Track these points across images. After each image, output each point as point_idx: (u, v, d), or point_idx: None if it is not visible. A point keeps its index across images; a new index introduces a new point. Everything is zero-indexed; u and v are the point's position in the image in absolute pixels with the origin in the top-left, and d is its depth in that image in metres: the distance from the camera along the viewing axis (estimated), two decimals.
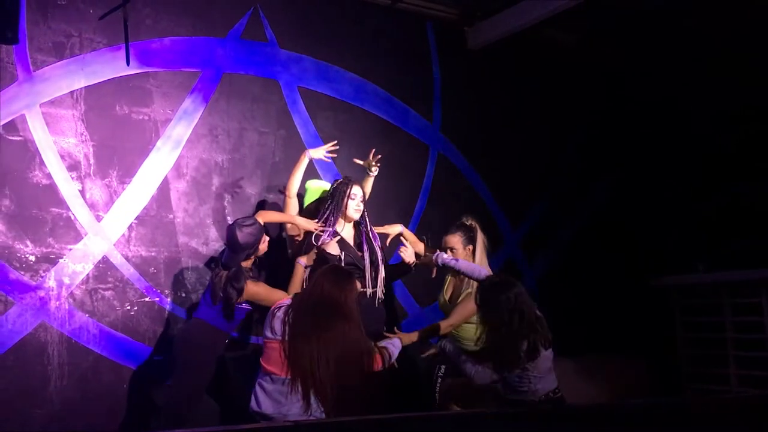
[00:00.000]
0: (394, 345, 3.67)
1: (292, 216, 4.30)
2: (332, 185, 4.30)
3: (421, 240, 5.01)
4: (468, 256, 4.23)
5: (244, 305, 3.92)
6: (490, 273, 3.88)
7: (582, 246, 6.21)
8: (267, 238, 4.03)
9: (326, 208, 4.19)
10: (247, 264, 3.93)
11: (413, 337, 4.05)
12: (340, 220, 4.18)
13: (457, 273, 4.07)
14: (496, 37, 5.76)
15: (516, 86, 6.07)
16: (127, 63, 3.72)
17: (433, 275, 4.21)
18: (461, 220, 4.34)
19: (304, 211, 4.44)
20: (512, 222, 5.95)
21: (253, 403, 3.37)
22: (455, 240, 4.25)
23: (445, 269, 4.13)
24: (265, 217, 4.12)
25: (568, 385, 4.80)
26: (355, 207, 4.17)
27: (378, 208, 4.79)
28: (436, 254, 4.04)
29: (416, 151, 5.56)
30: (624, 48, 6.03)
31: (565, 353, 4.99)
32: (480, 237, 4.32)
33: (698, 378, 5.91)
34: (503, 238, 5.85)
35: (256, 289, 3.88)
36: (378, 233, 4.32)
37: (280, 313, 3.41)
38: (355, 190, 4.19)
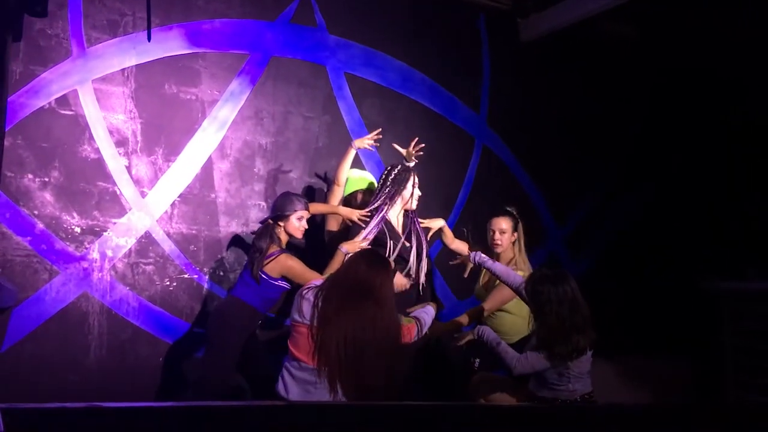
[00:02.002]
0: (427, 313, 3.53)
1: (335, 206, 4.31)
2: (387, 172, 4.13)
3: (461, 232, 4.99)
4: (511, 242, 4.21)
5: (280, 282, 3.88)
6: (524, 277, 3.80)
7: (629, 245, 6.07)
8: (305, 224, 4.00)
9: (381, 193, 4.06)
10: (281, 234, 3.94)
11: (464, 320, 4.03)
12: (394, 208, 4.08)
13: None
14: (550, 30, 5.64)
15: (568, 80, 5.94)
16: (149, 39, 3.78)
17: (466, 274, 4.18)
18: (506, 207, 4.30)
19: (343, 201, 4.44)
20: (557, 218, 5.84)
21: (280, 387, 3.28)
22: (506, 222, 4.23)
23: (481, 268, 4.11)
24: (312, 208, 4.15)
25: (608, 386, 4.72)
26: (418, 195, 4.10)
27: (420, 198, 4.75)
28: (473, 253, 4.00)
29: (461, 142, 5.50)
30: (682, 43, 5.83)
31: (607, 354, 4.89)
32: (521, 227, 4.30)
33: (744, 386, 5.69)
34: (547, 234, 5.75)
35: (291, 264, 3.84)
36: (423, 226, 4.29)
37: (309, 296, 3.27)
38: (416, 179, 4.12)
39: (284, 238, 3.99)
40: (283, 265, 3.83)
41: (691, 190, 6.26)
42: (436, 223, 4.35)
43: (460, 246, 4.42)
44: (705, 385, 5.64)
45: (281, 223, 3.95)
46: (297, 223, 3.96)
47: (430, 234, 4.32)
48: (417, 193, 4.11)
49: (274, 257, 3.84)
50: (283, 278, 3.90)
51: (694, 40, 5.72)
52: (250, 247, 3.91)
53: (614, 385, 5.05)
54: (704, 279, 5.89)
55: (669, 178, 6.29)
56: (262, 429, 1.62)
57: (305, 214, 3.99)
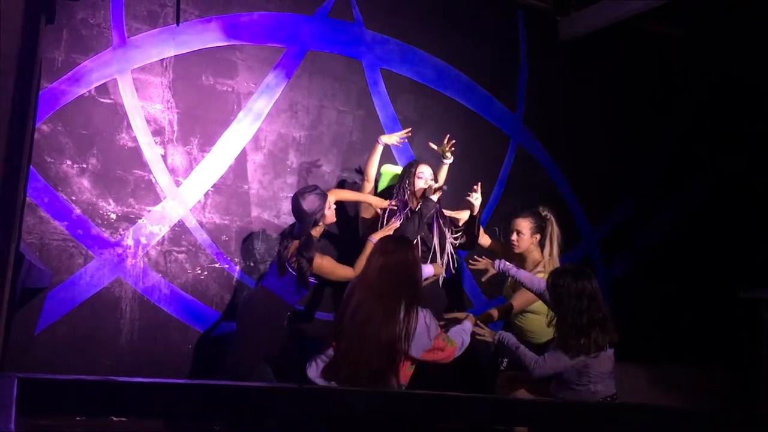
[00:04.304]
0: (465, 331, 3.51)
1: (365, 195, 4.37)
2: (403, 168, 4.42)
3: (493, 231, 4.98)
4: (534, 245, 4.17)
5: (310, 278, 3.96)
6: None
7: (666, 250, 5.93)
8: (333, 206, 4.07)
9: (396, 189, 4.29)
10: (316, 233, 3.97)
11: (494, 314, 4.02)
12: (413, 201, 4.24)
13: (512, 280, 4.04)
14: (590, 29, 5.54)
15: (608, 80, 5.83)
16: (177, 23, 3.83)
17: (484, 279, 4.15)
18: (537, 209, 4.27)
19: (378, 195, 4.47)
20: (591, 220, 5.76)
21: (312, 371, 3.33)
22: (525, 224, 4.20)
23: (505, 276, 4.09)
24: (337, 194, 4.22)
25: (640, 393, 4.64)
26: (422, 184, 4.23)
27: (453, 195, 4.72)
28: (497, 261, 3.97)
29: (496, 140, 5.46)
30: (726, 45, 5.69)
31: (639, 360, 4.81)
32: (554, 231, 4.23)
33: None
34: (581, 236, 5.67)
35: (321, 262, 3.93)
36: (449, 217, 4.34)
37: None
38: (422, 169, 4.27)
39: (319, 232, 4.04)
40: (314, 264, 3.89)
41: (732, 195, 6.09)
42: (466, 214, 4.37)
43: (483, 241, 4.43)
44: (741, 395, 5.50)
45: (321, 222, 3.99)
46: (329, 212, 4.03)
47: (462, 222, 4.33)
48: (421, 183, 4.24)
49: None
50: (312, 275, 3.95)
51: (739, 41, 5.58)
52: (297, 255, 3.89)
53: (648, 392, 4.97)
54: (743, 287, 5.75)
55: (710, 183, 6.14)
56: (273, 409, 1.63)
57: (330, 203, 4.05)
